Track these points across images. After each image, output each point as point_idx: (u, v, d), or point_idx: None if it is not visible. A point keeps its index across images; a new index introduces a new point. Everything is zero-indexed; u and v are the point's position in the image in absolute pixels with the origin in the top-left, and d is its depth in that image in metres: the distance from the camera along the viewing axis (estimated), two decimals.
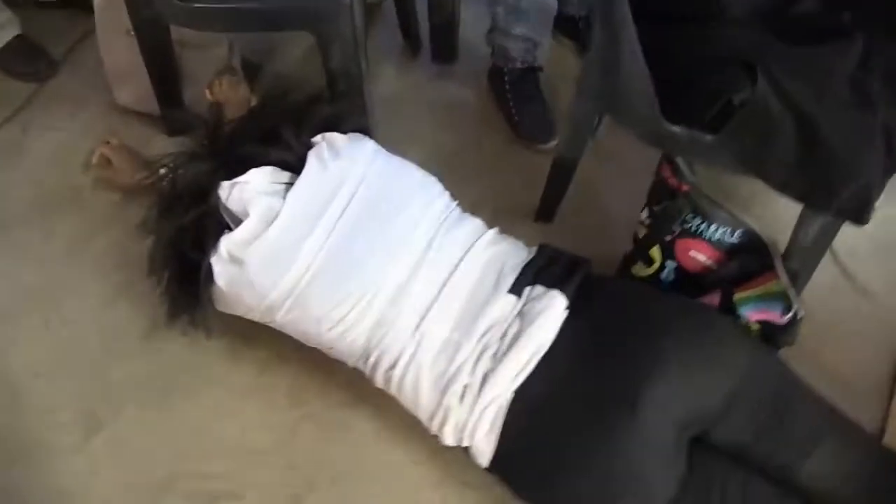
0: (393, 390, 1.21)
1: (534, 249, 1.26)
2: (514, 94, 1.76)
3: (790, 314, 1.21)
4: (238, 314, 1.28)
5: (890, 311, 1.49)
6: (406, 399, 1.20)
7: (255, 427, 1.34)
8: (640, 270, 1.37)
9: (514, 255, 1.24)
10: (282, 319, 1.22)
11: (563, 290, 1.16)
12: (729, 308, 1.25)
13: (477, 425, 1.12)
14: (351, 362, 1.25)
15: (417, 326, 1.17)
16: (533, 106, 1.76)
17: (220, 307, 1.29)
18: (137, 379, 1.40)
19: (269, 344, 1.38)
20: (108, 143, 1.65)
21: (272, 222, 1.18)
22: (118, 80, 1.77)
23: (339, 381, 1.36)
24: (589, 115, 1.31)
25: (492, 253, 1.23)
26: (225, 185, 1.23)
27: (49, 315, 1.49)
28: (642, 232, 1.35)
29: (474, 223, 1.29)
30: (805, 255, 1.28)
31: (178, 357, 1.42)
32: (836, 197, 1.09)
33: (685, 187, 1.26)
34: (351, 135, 1.31)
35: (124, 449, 1.32)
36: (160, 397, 1.37)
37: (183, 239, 1.24)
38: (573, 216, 1.61)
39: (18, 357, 1.43)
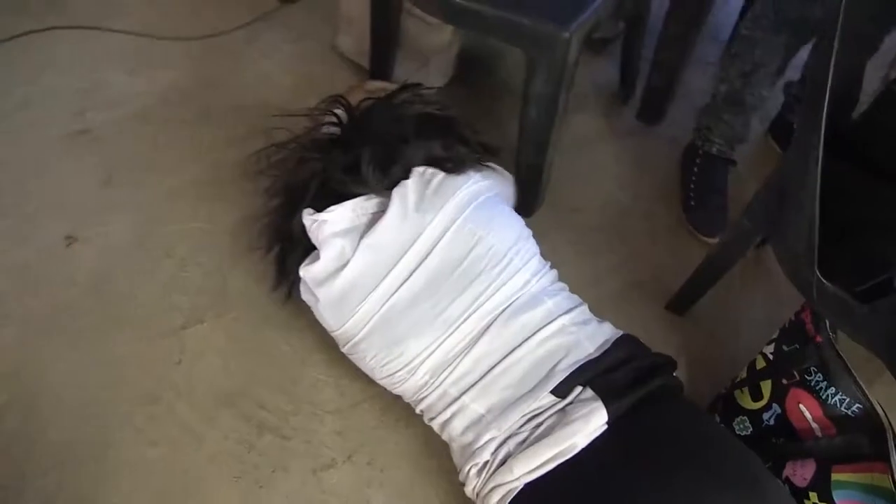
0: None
1: (609, 342, 1.18)
2: (699, 178, 1.70)
3: None
4: None
5: None
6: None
7: (329, 387, 1.40)
8: (745, 401, 1.28)
9: (579, 349, 1.16)
10: (346, 352, 1.30)
11: (609, 404, 1.07)
12: (822, 486, 1.14)
13: (486, 499, 1.12)
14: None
15: (456, 399, 1.18)
16: (712, 197, 1.69)
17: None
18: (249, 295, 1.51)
19: None
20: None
21: (342, 269, 1.21)
22: (344, 26, 1.90)
23: None
24: (752, 231, 1.24)
25: (554, 345, 1.17)
26: (306, 214, 1.27)
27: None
28: (760, 364, 1.26)
29: (552, 304, 1.21)
30: None
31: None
32: None
33: (819, 339, 1.17)
34: (446, 179, 1.26)
35: (210, 351, 1.42)
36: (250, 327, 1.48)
37: (286, 225, 1.35)
38: (705, 317, 1.53)
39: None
